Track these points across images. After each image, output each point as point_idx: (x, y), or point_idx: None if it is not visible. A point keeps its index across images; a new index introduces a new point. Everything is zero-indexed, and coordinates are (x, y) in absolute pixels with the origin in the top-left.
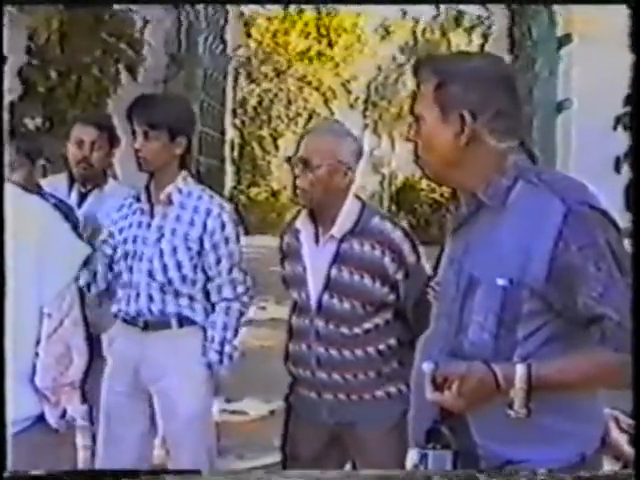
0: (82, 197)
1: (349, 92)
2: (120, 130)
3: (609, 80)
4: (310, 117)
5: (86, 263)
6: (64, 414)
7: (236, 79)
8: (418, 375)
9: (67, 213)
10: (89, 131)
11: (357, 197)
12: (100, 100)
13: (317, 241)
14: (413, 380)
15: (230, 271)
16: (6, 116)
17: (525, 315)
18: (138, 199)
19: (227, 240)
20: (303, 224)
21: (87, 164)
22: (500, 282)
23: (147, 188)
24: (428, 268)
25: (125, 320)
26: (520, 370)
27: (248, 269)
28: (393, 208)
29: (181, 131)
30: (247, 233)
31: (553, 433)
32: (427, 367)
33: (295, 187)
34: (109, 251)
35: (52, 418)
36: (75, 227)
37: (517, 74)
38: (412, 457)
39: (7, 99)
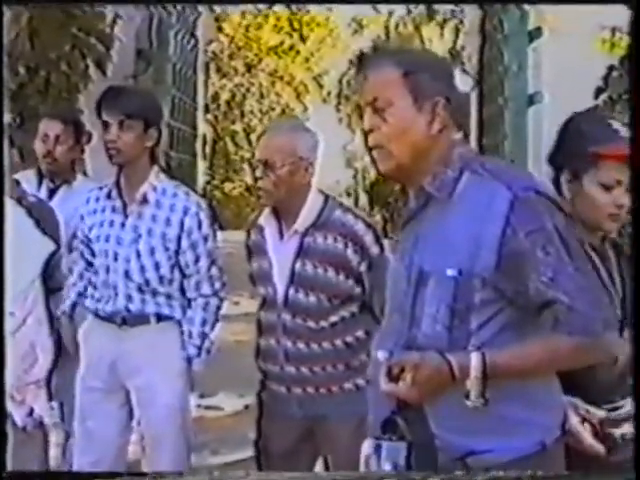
0: (51, 192)
1: (321, 86)
2: (91, 126)
3: (580, 73)
4: (283, 112)
5: (51, 260)
6: (31, 412)
7: (207, 74)
8: (374, 367)
9: (42, 209)
10: (54, 125)
11: (320, 191)
12: (71, 96)
13: (281, 237)
14: (369, 373)
15: (209, 268)
16: None
17: (477, 305)
18: (109, 196)
19: (205, 238)
20: (267, 221)
21: (52, 158)
22: (450, 273)
23: (117, 184)
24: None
25: (100, 316)
26: (475, 359)
27: (223, 264)
28: (367, 202)
29: (153, 122)
30: (222, 228)
31: (512, 422)
32: (381, 355)
33: (257, 189)
34: (81, 248)
35: (18, 416)
36: (39, 223)
37: (486, 67)
38: (366, 448)
39: None
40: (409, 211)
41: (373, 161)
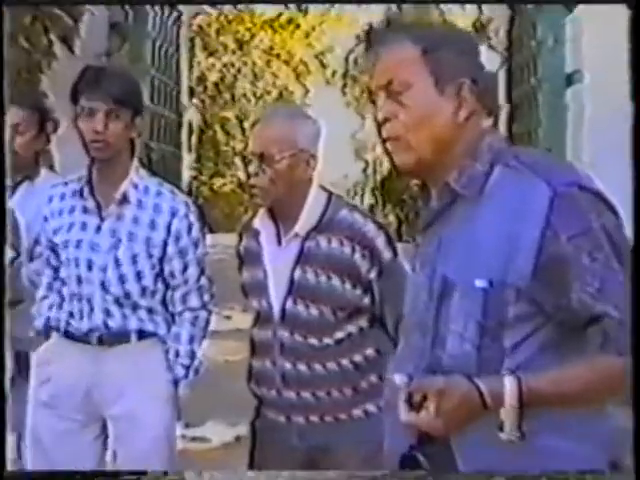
0: (12, 190)
1: (324, 66)
2: (58, 112)
3: (627, 48)
4: (281, 95)
5: (8, 268)
6: None
7: (192, 52)
8: (391, 393)
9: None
10: (12, 112)
11: (323, 188)
12: (32, 76)
13: (279, 241)
14: (385, 399)
15: (198, 278)
16: None
17: (512, 320)
18: (80, 194)
19: (195, 244)
20: (262, 224)
21: (10, 151)
22: (479, 284)
23: (89, 180)
24: (408, 267)
25: (71, 335)
26: (509, 384)
27: (212, 272)
28: (379, 200)
29: (139, 110)
30: (210, 231)
31: (552, 456)
32: (400, 380)
33: (250, 187)
34: (46, 254)
35: None
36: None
37: (515, 42)
38: None
39: None
40: (431, 212)
41: (388, 154)
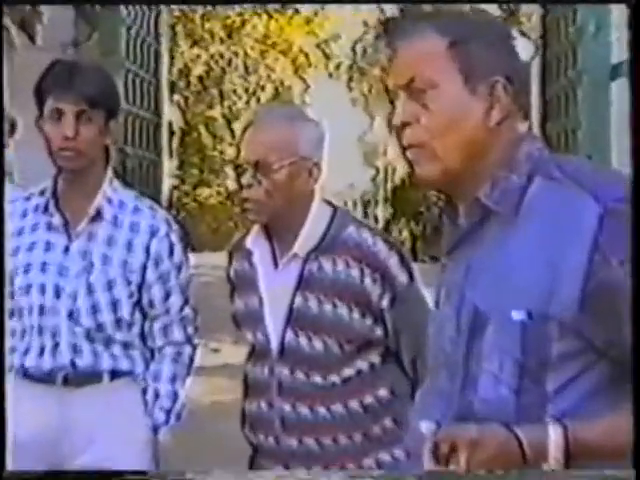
0: None
1: (328, 57)
2: (15, 111)
3: None
4: (277, 91)
5: None
6: None
7: (174, 41)
8: (414, 441)
9: None
10: None
11: (326, 202)
12: None
13: (275, 263)
14: (407, 448)
15: (181, 308)
16: None
17: (555, 359)
18: (45, 209)
19: (178, 268)
20: (256, 243)
21: None
22: (516, 316)
23: (55, 193)
24: (426, 292)
25: (31, 376)
26: (554, 434)
27: (197, 298)
28: (390, 213)
29: (114, 112)
30: (194, 250)
31: None
32: (426, 428)
33: (243, 201)
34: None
35: None
36: None
37: (551, 28)
38: None
39: None
40: (458, 231)
41: (409, 164)
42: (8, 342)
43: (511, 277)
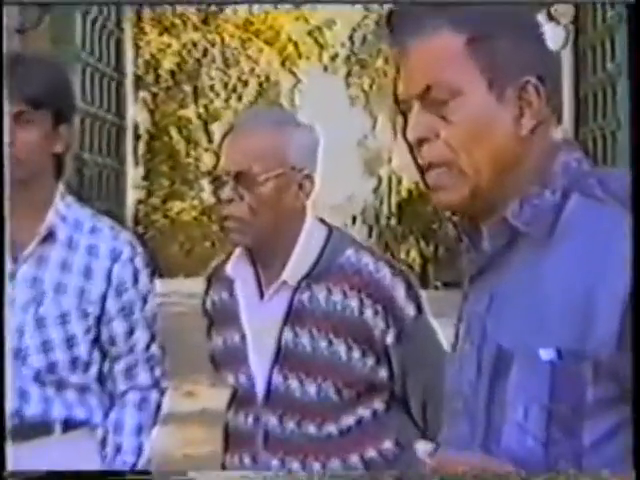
0: None
1: (321, 46)
2: None
3: None
4: (261, 87)
5: None
6: None
7: (139, 27)
8: None
9: None
10: None
11: (320, 220)
12: None
13: (261, 293)
14: None
15: (148, 345)
16: None
17: (591, 406)
18: None
19: (144, 299)
20: (238, 269)
21: None
22: (545, 355)
23: None
24: (438, 326)
25: None
26: None
27: (168, 333)
28: (395, 230)
29: (66, 115)
30: (165, 275)
31: None
32: (422, 450)
33: (222, 219)
34: None
35: None
36: None
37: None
38: None
39: None
40: (482, 255)
41: (428, 187)
42: None
43: (540, 309)
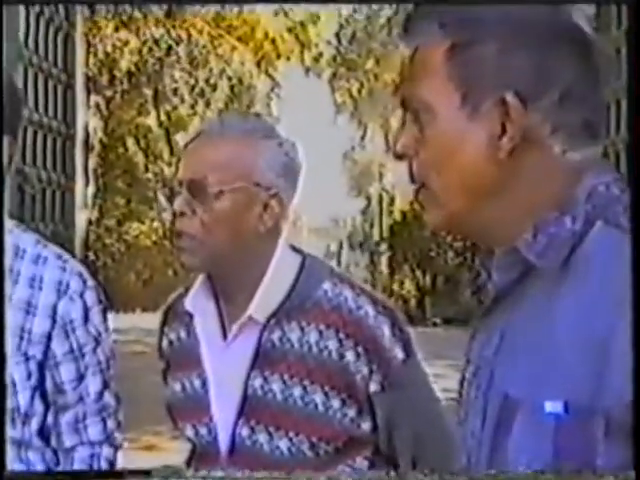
0: None
1: (303, 45)
2: None
3: None
4: (233, 91)
5: None
6: None
7: (92, 21)
8: None
9: None
10: None
11: (293, 248)
12: None
13: (224, 332)
14: None
15: (100, 394)
16: None
17: (600, 468)
18: None
19: (96, 339)
20: (197, 303)
21: None
22: (549, 408)
23: None
24: (429, 369)
25: None
26: None
27: (124, 375)
28: (388, 257)
29: (10, 125)
30: (120, 309)
31: None
32: None
33: (175, 235)
34: None
35: None
36: None
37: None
38: None
39: None
40: (490, 292)
41: (421, 207)
42: None
43: (551, 355)
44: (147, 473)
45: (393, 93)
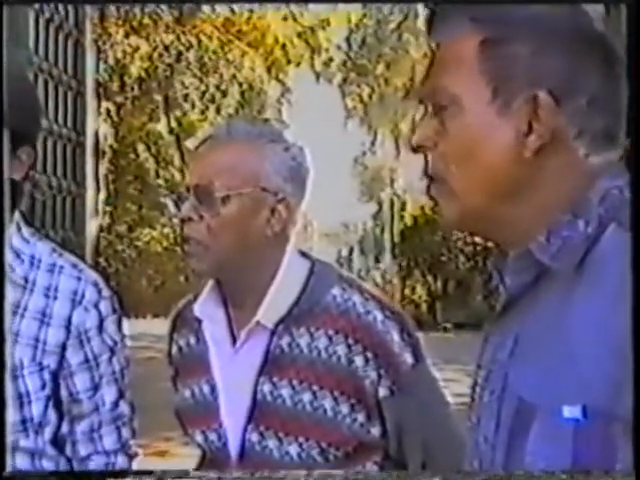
0: None
1: (314, 50)
2: None
3: None
4: (243, 96)
5: None
6: None
7: (103, 28)
8: None
9: None
10: None
11: (302, 253)
12: None
13: (233, 337)
14: None
15: (115, 404)
16: None
17: (620, 473)
18: None
19: (111, 349)
20: (206, 309)
21: None
22: (568, 413)
23: None
24: (439, 374)
25: None
26: None
27: (137, 382)
28: (399, 262)
29: (29, 135)
30: (128, 315)
31: None
32: None
33: (184, 240)
34: None
35: None
36: None
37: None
38: None
39: None
40: (503, 295)
41: (434, 201)
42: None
43: (567, 358)
44: (149, 473)
45: (406, 92)
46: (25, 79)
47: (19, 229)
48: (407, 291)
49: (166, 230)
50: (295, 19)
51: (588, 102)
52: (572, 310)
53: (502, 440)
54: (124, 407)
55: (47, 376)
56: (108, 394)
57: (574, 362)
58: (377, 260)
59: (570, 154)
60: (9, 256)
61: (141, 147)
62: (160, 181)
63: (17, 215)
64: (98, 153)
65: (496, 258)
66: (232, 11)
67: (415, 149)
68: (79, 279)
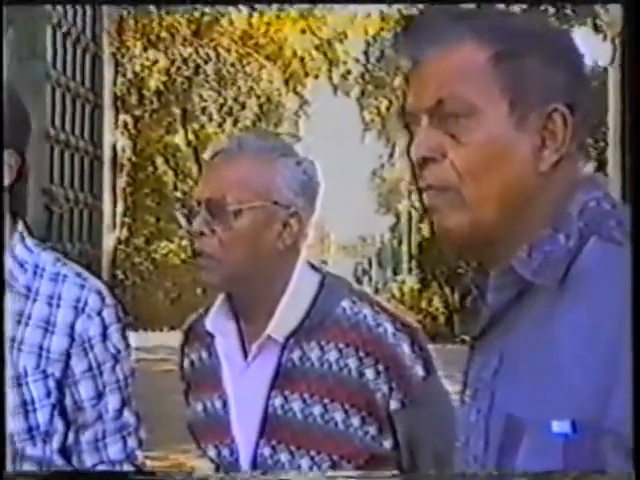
0: None
1: (332, 62)
2: None
3: None
4: (261, 109)
5: None
6: None
7: (121, 41)
8: None
9: None
10: None
11: (312, 266)
12: None
13: (244, 351)
14: None
15: (120, 412)
16: None
17: None
18: None
19: (114, 357)
20: (218, 323)
21: None
22: (557, 428)
23: None
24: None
25: None
26: None
27: (151, 393)
28: (416, 274)
29: (18, 142)
30: (145, 327)
31: None
32: None
33: (195, 255)
34: None
35: None
36: None
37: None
38: None
39: None
40: (489, 309)
41: (427, 212)
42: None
43: (553, 373)
44: (151, 474)
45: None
46: (8, 86)
47: (23, 239)
48: (424, 304)
49: (184, 243)
50: (313, 32)
51: (585, 117)
52: (557, 324)
53: (491, 458)
54: (129, 416)
55: (52, 384)
56: (112, 403)
57: (562, 377)
58: (395, 272)
59: (574, 168)
60: (13, 266)
61: (159, 160)
62: (178, 194)
63: (21, 225)
64: (116, 166)
65: (476, 275)
66: (249, 23)
67: (422, 161)
68: (82, 287)
